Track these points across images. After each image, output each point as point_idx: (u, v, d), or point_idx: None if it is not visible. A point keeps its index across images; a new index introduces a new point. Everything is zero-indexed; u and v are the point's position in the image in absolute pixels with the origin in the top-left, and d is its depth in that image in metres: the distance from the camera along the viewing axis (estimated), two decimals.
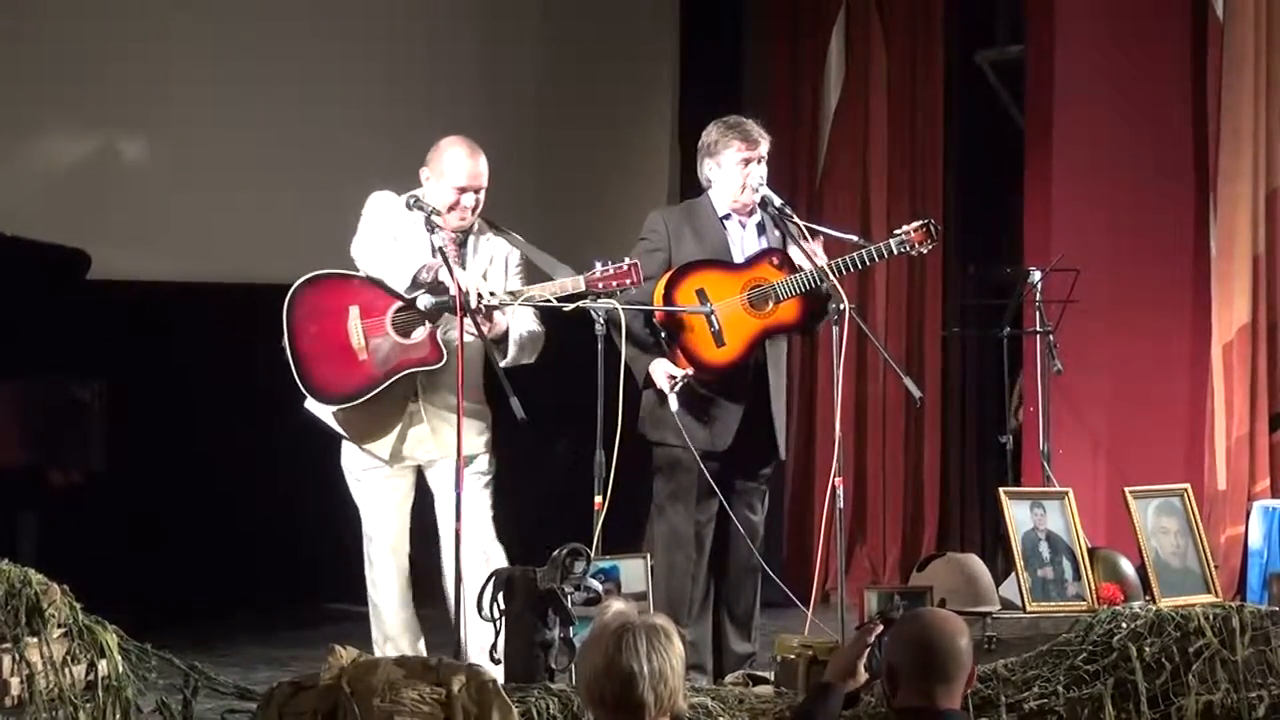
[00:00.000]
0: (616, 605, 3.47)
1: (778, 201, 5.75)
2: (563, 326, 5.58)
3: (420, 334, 5.41)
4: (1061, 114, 7.79)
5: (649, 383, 5.63)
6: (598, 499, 5.30)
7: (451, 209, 5.48)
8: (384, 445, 5.50)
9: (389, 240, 5.40)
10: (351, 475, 5.60)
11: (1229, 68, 7.35)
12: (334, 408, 5.47)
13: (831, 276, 5.58)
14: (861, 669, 3.76)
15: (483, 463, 5.57)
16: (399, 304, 5.42)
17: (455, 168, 5.48)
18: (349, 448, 5.57)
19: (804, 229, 5.74)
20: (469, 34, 8.31)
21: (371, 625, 5.63)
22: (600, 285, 5.37)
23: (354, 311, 5.44)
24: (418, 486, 5.59)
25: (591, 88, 8.45)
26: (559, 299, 5.41)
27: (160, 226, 7.65)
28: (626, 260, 5.43)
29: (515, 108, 8.25)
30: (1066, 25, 7.79)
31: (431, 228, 5.28)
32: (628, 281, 5.39)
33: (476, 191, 5.49)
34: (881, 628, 3.77)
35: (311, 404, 5.55)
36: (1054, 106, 7.81)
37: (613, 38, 8.56)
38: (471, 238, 5.57)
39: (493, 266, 5.57)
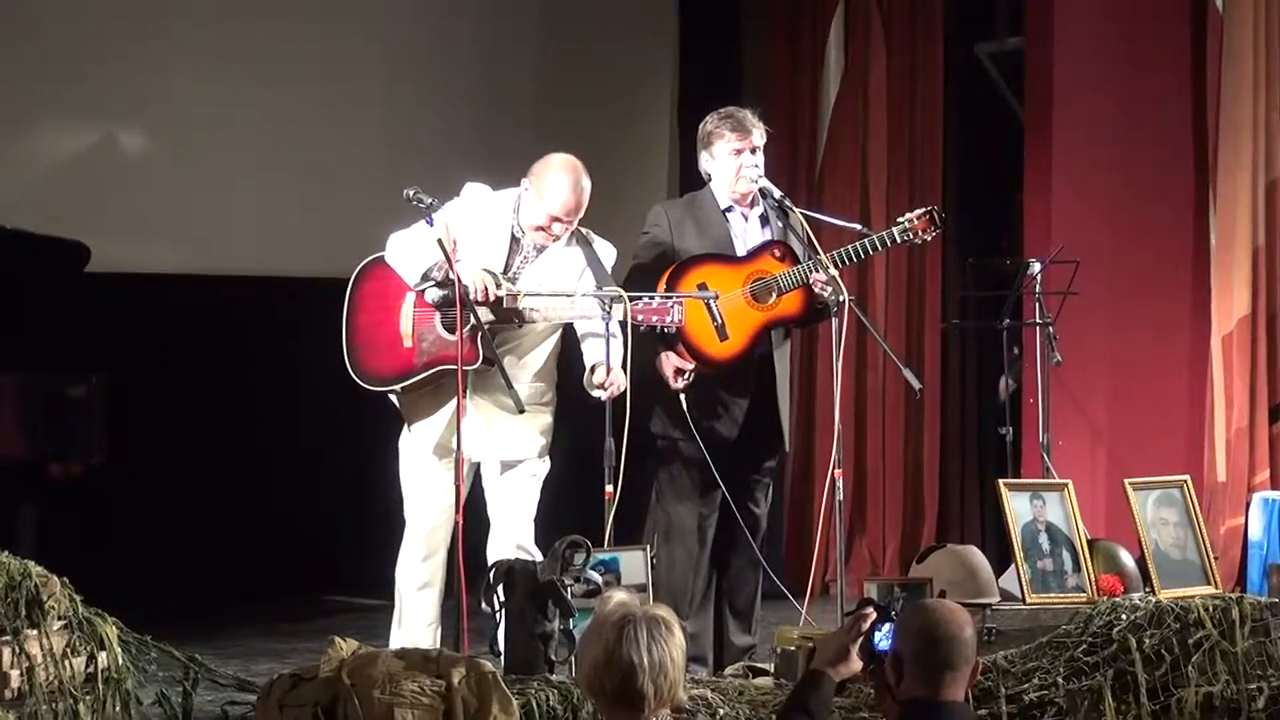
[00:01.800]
0: (618, 596, 3.47)
1: (777, 193, 5.74)
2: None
3: (465, 332, 5.36)
4: (1061, 106, 7.79)
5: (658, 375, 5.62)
6: (608, 488, 5.29)
7: (538, 229, 5.46)
8: (430, 433, 5.48)
9: (423, 236, 5.35)
10: (403, 459, 5.58)
11: (1228, 59, 7.35)
12: (371, 389, 5.47)
13: (833, 268, 5.57)
14: (855, 656, 3.75)
15: (534, 465, 5.54)
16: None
17: (555, 198, 5.40)
18: (405, 432, 5.56)
19: (805, 220, 5.74)
20: (469, 34, 8.31)
21: (394, 612, 5.60)
22: (639, 318, 5.36)
23: (409, 298, 5.45)
24: (474, 487, 5.53)
25: (591, 86, 8.44)
26: (565, 291, 5.41)
27: (160, 219, 7.65)
28: (672, 299, 5.41)
29: (515, 107, 8.24)
30: (1066, 17, 7.79)
31: (430, 222, 5.27)
32: (668, 319, 5.36)
33: (568, 223, 5.43)
34: (875, 615, 3.76)
35: None
36: (1053, 99, 7.80)
37: (612, 36, 8.56)
38: (557, 248, 5.52)
39: (557, 274, 5.50)
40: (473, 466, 5.50)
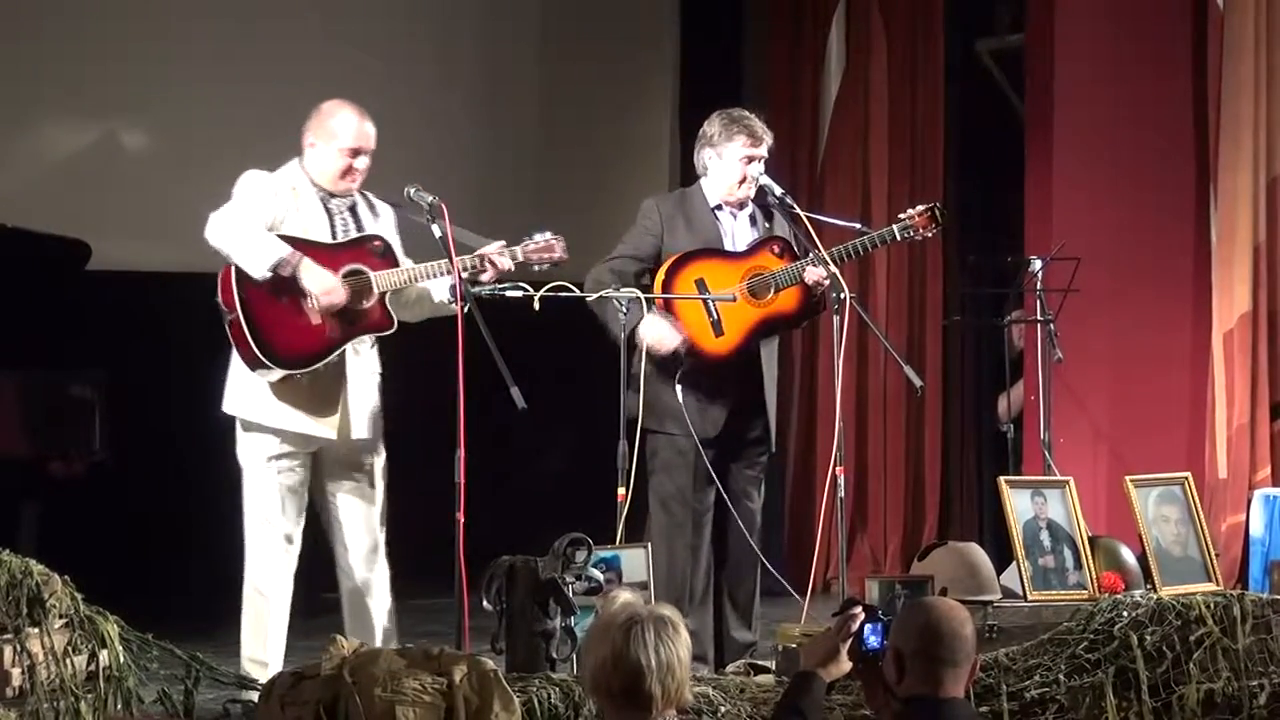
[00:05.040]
0: (624, 596, 3.47)
1: (778, 191, 5.74)
2: (568, 316, 5.56)
3: (371, 299, 5.31)
4: (1062, 103, 7.78)
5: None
6: (620, 490, 5.28)
7: (344, 174, 5.37)
8: (330, 422, 5.38)
9: (258, 223, 5.26)
10: (252, 465, 5.51)
11: (1229, 56, 7.34)
12: (292, 371, 5.34)
13: (832, 265, 5.57)
14: (845, 656, 3.75)
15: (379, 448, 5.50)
16: (349, 267, 5.31)
17: (346, 129, 5.36)
18: (248, 438, 5.47)
19: (806, 218, 5.74)
20: (470, 34, 8.31)
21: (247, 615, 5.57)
22: (534, 257, 5.36)
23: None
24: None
25: (591, 86, 8.44)
26: (564, 292, 5.41)
27: (161, 217, 7.64)
28: (550, 235, 5.41)
29: (515, 107, 8.24)
30: (1067, 14, 7.79)
31: (432, 219, 5.26)
32: (553, 254, 5.37)
33: (367, 154, 5.35)
34: (864, 615, 3.76)
35: (235, 402, 5.48)
36: (1054, 95, 7.80)
37: (613, 36, 8.56)
38: (361, 205, 5.46)
39: (389, 233, 5.46)
40: (311, 459, 5.44)
